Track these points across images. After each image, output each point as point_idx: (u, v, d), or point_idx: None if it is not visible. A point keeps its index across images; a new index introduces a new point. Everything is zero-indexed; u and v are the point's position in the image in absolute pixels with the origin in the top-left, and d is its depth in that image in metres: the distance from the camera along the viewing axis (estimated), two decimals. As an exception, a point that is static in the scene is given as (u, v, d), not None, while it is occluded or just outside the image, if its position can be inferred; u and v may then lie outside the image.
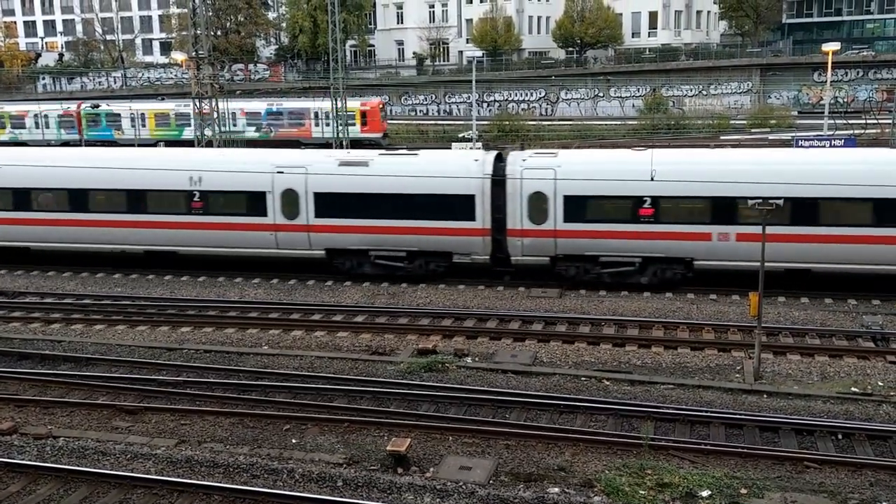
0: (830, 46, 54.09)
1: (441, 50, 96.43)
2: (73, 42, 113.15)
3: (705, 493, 14.01)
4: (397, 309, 24.66)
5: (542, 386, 18.83)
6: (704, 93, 78.07)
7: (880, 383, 18.73)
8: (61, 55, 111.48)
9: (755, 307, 18.97)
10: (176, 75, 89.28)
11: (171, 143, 59.27)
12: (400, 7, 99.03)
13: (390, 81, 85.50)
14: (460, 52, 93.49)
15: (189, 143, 51.03)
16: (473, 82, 58.54)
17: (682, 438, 16.15)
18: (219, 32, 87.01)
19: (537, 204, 25.92)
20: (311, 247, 27.72)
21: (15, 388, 19.41)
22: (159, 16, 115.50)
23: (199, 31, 45.86)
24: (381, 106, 64.52)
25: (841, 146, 43.25)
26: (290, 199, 27.48)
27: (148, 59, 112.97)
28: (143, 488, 14.40)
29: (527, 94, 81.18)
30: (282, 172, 27.45)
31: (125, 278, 29.01)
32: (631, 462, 15.09)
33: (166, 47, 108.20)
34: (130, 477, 14.67)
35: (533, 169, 26.04)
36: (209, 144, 45.45)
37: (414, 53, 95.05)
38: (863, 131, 56.06)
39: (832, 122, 54.98)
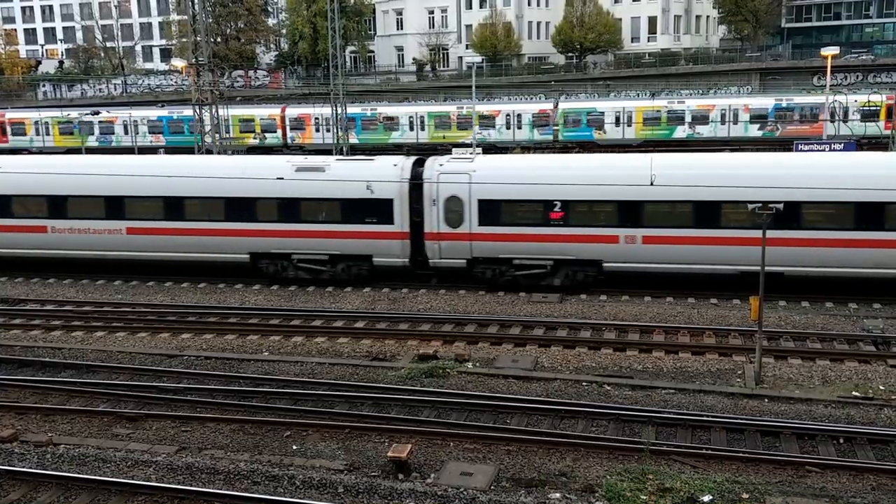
0: (830, 51, 54.06)
1: (441, 56, 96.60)
2: (73, 49, 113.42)
3: (707, 498, 13.98)
4: (398, 314, 24.65)
5: (543, 391, 18.80)
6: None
7: (881, 387, 18.70)
8: (61, 62, 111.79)
9: (756, 311, 18.97)
10: (176, 82, 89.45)
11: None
12: (400, 13, 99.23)
13: (390, 87, 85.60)
14: (460, 58, 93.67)
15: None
16: (473, 88, 58.56)
17: (684, 443, 16.13)
18: (219, 39, 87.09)
19: (453, 208, 26.50)
20: (236, 251, 28.37)
21: (16, 396, 19.39)
22: (159, 23, 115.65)
23: (199, 38, 45.95)
24: None
25: (840, 150, 43.23)
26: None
27: (148, 65, 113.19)
28: (143, 495, 14.37)
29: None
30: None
31: (125, 285, 29.02)
32: (632, 467, 15.07)
33: (166, 54, 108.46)
34: (131, 484, 14.65)
35: (449, 174, 26.69)
36: (209, 152, 45.48)
37: (414, 59, 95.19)
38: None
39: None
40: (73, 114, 66.54)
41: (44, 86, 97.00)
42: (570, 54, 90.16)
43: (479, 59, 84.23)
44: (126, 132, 65.17)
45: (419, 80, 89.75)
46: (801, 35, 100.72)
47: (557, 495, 14.23)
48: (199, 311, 25.54)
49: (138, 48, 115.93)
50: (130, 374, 20.63)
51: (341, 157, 29.28)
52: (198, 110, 45.69)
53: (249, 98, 79.65)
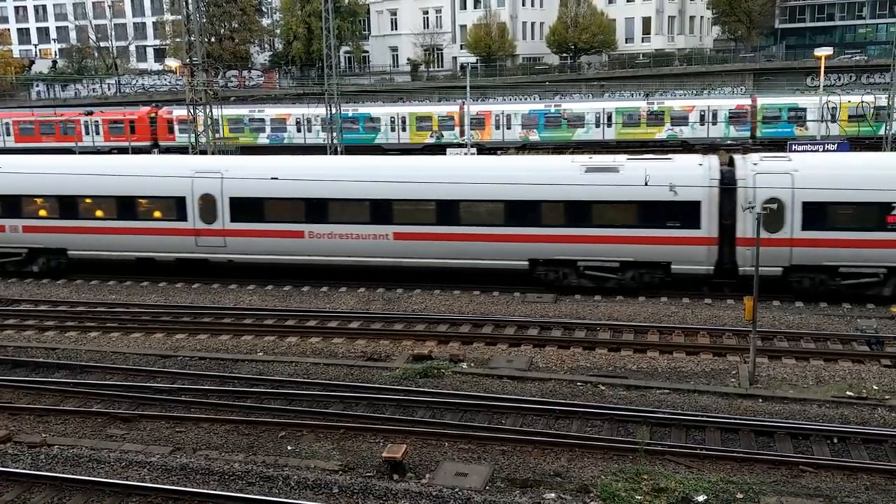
0: (823, 51, 54.29)
1: (435, 56, 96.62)
2: (67, 49, 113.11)
3: (701, 498, 14.00)
4: (393, 315, 24.64)
5: (537, 391, 18.81)
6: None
7: (875, 387, 18.76)
8: (55, 62, 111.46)
9: (750, 311, 19.01)
10: (170, 82, 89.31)
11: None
12: (394, 13, 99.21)
13: (385, 87, 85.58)
14: (454, 58, 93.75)
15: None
16: (468, 88, 58.65)
17: (678, 443, 16.16)
18: (213, 39, 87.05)
19: (772, 210, 23.95)
20: (515, 257, 27.08)
21: (9, 397, 19.32)
22: (153, 22, 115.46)
23: (193, 38, 45.86)
24: None
25: (834, 150, 43.40)
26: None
27: (142, 65, 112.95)
28: (138, 496, 14.33)
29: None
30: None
31: (119, 285, 28.95)
32: (627, 467, 15.09)
33: (160, 54, 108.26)
34: (125, 485, 14.61)
35: (767, 174, 25.10)
36: (203, 152, 45.40)
37: (408, 59, 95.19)
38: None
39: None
40: (244, 111, 65.23)
41: (37, 86, 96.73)
42: (564, 55, 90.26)
43: (473, 59, 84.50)
44: (299, 130, 63.26)
45: (413, 80, 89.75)
46: (794, 36, 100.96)
47: (552, 495, 14.24)
48: (194, 312, 25.49)
49: (132, 48, 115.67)
50: (124, 374, 20.58)
51: (632, 156, 27.52)
52: (192, 109, 45.56)
53: (244, 98, 79.52)
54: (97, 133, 65.74)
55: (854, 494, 14.29)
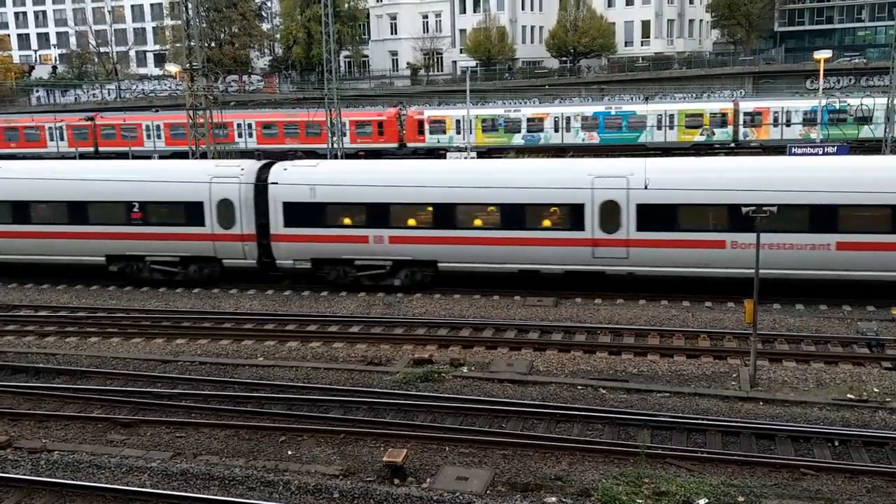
0: (822, 54, 54.30)
1: (435, 60, 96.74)
2: (67, 54, 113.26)
3: (702, 502, 13.97)
4: (393, 319, 24.63)
5: (538, 395, 18.80)
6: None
7: (876, 389, 18.74)
8: (55, 67, 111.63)
9: (750, 314, 18.99)
10: (170, 87, 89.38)
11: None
12: (394, 18, 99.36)
13: (385, 92, 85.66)
14: (454, 62, 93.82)
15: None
16: (467, 92, 58.65)
17: (679, 447, 16.13)
18: (213, 44, 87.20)
19: None
20: None
21: (9, 402, 19.31)
22: (153, 28, 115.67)
23: (193, 43, 45.92)
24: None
25: (833, 153, 43.43)
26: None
27: (142, 70, 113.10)
28: (138, 502, 14.32)
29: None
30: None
31: (119, 290, 28.94)
32: (628, 471, 15.07)
33: (160, 59, 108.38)
34: (125, 490, 14.60)
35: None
36: (203, 156, 45.43)
37: (408, 64, 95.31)
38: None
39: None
40: (500, 111, 62.78)
41: (37, 91, 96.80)
42: (563, 59, 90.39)
43: (473, 63, 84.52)
44: (556, 129, 60.37)
45: (413, 84, 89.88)
46: (793, 39, 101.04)
47: (553, 499, 14.22)
48: (194, 317, 25.48)
49: (132, 53, 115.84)
50: (125, 379, 20.57)
51: None
52: (191, 115, 45.57)
53: (244, 103, 79.60)
54: (343, 134, 63.95)
55: (855, 497, 14.27)
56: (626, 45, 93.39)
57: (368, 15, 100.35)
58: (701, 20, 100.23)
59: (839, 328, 22.94)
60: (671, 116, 58.75)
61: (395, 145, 62.16)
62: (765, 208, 19.04)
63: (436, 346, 22.24)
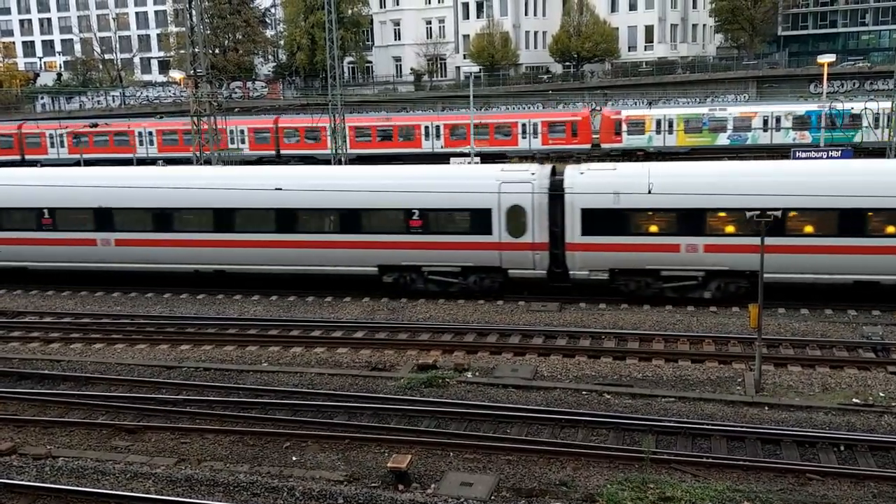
0: (826, 58, 54.40)
1: (438, 65, 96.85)
2: (71, 61, 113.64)
3: (708, 507, 13.95)
4: (397, 324, 24.62)
5: (542, 400, 18.78)
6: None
7: (881, 394, 18.68)
8: (60, 74, 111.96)
9: (755, 319, 18.95)
10: (174, 93, 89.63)
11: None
12: (397, 23, 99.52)
13: (388, 97, 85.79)
14: (457, 68, 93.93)
15: None
16: (471, 97, 58.64)
17: (684, 452, 16.10)
18: (217, 50, 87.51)
19: None
20: None
21: (14, 409, 19.35)
22: (157, 35, 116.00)
23: (197, 50, 46.06)
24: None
25: (838, 157, 43.38)
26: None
27: (146, 77, 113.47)
28: (142, 508, 14.34)
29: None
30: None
31: (124, 297, 28.97)
32: (633, 476, 15.03)
33: (165, 66, 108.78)
34: (130, 496, 14.61)
35: None
36: (207, 162, 45.51)
37: (411, 69, 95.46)
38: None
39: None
40: (704, 109, 59.42)
41: (42, 98, 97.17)
42: (567, 63, 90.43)
43: (476, 68, 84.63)
44: (766, 129, 56.17)
45: (417, 90, 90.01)
46: (797, 43, 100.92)
47: (558, 505, 14.19)
48: (198, 323, 25.51)
49: (136, 60, 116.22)
50: (129, 385, 20.59)
51: None
52: (196, 121, 45.64)
53: (248, 109, 79.77)
54: (534, 136, 60.46)
55: (861, 502, 14.23)
56: (629, 50, 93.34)
57: (372, 21, 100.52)
58: (704, 25, 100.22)
59: (844, 332, 22.88)
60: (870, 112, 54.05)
61: (587, 147, 59.55)
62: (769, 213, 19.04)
63: (440, 351, 22.22)
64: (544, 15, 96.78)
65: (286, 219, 27.48)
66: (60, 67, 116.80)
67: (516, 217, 26.08)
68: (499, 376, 20.35)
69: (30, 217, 29.36)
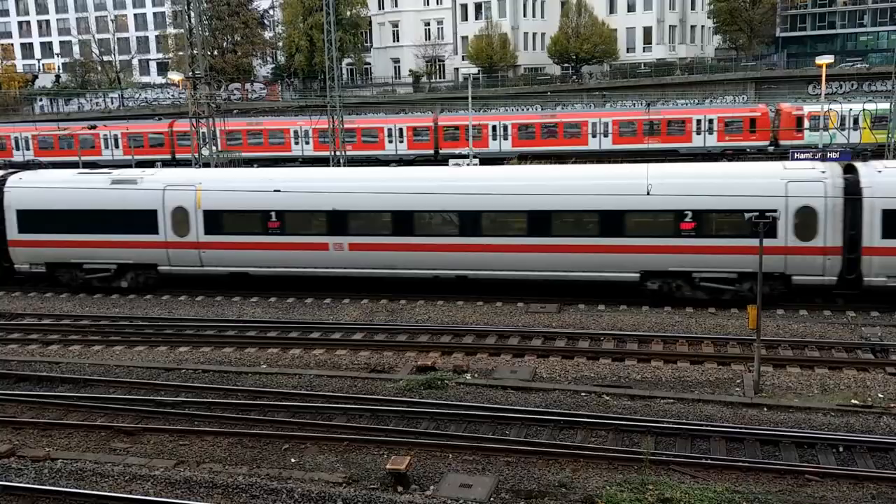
0: (824, 59, 54.39)
1: (437, 67, 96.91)
2: (70, 63, 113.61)
3: (707, 508, 13.95)
4: (396, 326, 24.62)
5: (541, 402, 18.77)
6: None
7: (880, 395, 18.69)
8: (58, 76, 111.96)
9: (754, 320, 18.96)
10: (173, 95, 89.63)
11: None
12: (396, 25, 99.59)
13: (387, 99, 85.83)
14: (456, 69, 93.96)
15: None
16: (469, 99, 58.74)
17: (683, 453, 16.10)
18: (215, 52, 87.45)
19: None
20: None
21: (13, 411, 19.33)
22: (156, 36, 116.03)
23: (195, 52, 46.07)
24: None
25: (836, 159, 43.37)
26: None
27: (145, 79, 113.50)
28: (141, 510, 14.33)
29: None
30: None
31: (122, 299, 28.96)
32: (632, 477, 15.03)
33: (163, 68, 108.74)
34: (129, 499, 14.60)
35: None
36: (206, 165, 45.49)
37: (410, 71, 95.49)
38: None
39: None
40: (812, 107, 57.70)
41: (41, 100, 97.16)
42: (565, 65, 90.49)
43: (475, 70, 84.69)
44: None
45: (415, 91, 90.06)
46: (795, 44, 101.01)
47: (557, 506, 14.19)
48: (197, 325, 25.50)
49: (135, 62, 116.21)
50: (128, 387, 20.57)
51: None
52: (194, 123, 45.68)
53: (246, 111, 79.78)
54: (710, 132, 58.74)
55: (860, 503, 14.23)
56: (628, 52, 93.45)
57: (370, 22, 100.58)
58: (703, 26, 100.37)
59: (843, 334, 22.89)
60: None
61: (766, 143, 58.33)
62: None
63: (439, 353, 22.22)
64: (543, 16, 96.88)
65: (539, 222, 26.12)
66: (59, 69, 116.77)
67: (805, 219, 24.42)
68: (498, 378, 20.35)
69: (255, 220, 28.05)
